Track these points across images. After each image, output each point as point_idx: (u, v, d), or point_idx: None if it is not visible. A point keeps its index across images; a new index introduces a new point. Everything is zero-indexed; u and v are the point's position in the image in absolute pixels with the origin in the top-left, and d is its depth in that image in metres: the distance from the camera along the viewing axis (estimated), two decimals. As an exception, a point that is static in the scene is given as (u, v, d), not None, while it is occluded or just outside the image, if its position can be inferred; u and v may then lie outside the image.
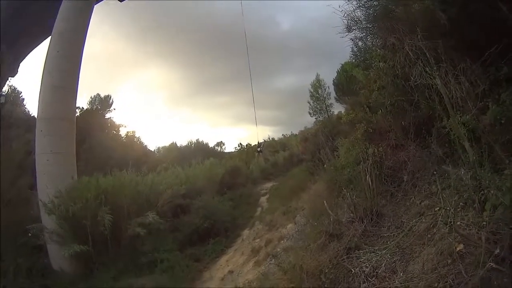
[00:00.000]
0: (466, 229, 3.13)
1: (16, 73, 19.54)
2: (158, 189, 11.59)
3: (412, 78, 4.52)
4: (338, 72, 16.13)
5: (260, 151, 10.30)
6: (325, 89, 17.42)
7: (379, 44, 6.33)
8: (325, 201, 5.69)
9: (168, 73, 59.38)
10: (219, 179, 15.71)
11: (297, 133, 25.37)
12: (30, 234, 8.89)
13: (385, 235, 4.27)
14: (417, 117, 5.46)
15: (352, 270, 3.83)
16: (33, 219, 9.36)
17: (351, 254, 4.17)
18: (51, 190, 9.16)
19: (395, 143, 5.91)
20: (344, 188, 6.00)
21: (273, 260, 7.03)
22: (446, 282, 2.83)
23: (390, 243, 3.97)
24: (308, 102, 17.67)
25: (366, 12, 5.99)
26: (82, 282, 8.24)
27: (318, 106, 17.35)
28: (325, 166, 8.67)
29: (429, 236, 3.58)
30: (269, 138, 27.57)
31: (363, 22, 5.80)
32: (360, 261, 3.92)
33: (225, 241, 10.80)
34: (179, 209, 11.98)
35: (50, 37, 11.74)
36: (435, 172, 4.59)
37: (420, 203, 4.43)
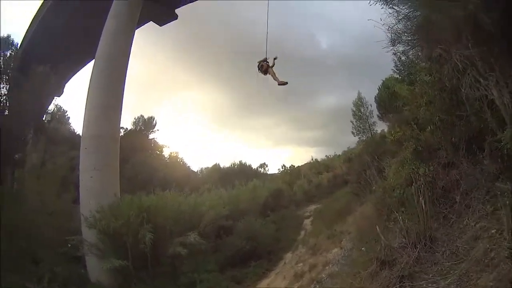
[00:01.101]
0: (526, 253, 2.88)
1: (62, 93, 21.72)
2: (201, 209, 11.90)
3: (463, 90, 4.33)
4: (379, 88, 15.75)
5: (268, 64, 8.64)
6: (367, 107, 17.05)
7: (424, 57, 6.13)
8: (377, 226, 5.49)
9: (211, 95, 61.96)
10: (262, 201, 15.76)
11: (340, 154, 24.93)
12: (69, 245, 9.58)
13: (440, 261, 4.01)
14: (468, 132, 5.16)
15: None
16: (73, 231, 10.07)
17: (404, 282, 3.99)
18: (93, 205, 9.89)
19: (446, 161, 5.59)
20: (395, 211, 5.74)
21: (318, 286, 6.87)
22: (506, 311, 2.61)
23: (445, 270, 3.72)
24: (351, 122, 17.35)
25: (406, 24, 5.86)
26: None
27: (361, 125, 16.96)
28: (373, 188, 8.38)
29: (486, 261, 3.32)
30: (312, 159, 27.28)
31: (406, 35, 5.66)
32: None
33: (267, 264, 10.78)
34: (222, 230, 12.14)
35: (93, 59, 12.87)
36: (490, 190, 4.29)
37: (475, 225, 4.15)
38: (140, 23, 14.91)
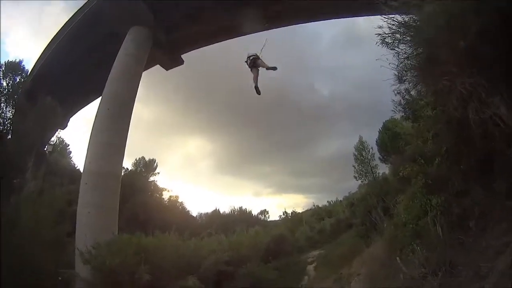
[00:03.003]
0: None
1: (66, 126, 22.05)
2: (201, 254, 11.61)
3: (470, 116, 4.65)
4: (380, 131, 16.31)
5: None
6: (368, 151, 17.46)
7: (429, 92, 6.54)
8: (397, 258, 5.54)
9: (213, 142, 63.52)
10: (264, 247, 15.41)
11: (341, 199, 24.99)
12: (60, 278, 9.20)
13: (464, 284, 4.11)
14: (476, 158, 5.42)
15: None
16: (65, 264, 9.79)
17: None
18: (89, 240, 9.72)
19: (457, 189, 5.80)
20: (410, 244, 5.86)
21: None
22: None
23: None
24: (353, 166, 17.63)
25: (408, 64, 6.35)
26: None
27: (363, 168, 17.22)
28: (385, 225, 8.49)
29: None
30: (313, 206, 27.19)
31: (412, 72, 6.13)
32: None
33: (270, 311, 10.32)
34: (222, 275, 11.74)
35: (100, 97, 13.32)
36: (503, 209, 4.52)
37: (494, 244, 4.31)
38: (147, 66, 15.70)
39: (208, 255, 11.65)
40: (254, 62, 8.73)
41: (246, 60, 8.90)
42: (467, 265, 4.43)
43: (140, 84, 14.34)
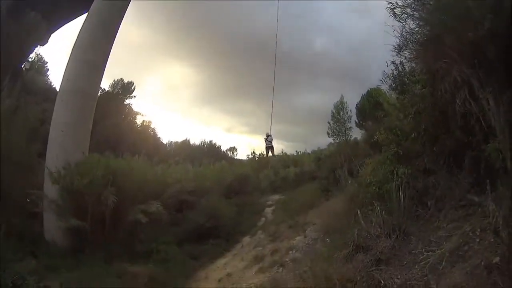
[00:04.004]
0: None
1: (46, 42, 20.36)
2: (166, 181, 11.83)
3: (458, 102, 4.76)
4: (362, 97, 16.47)
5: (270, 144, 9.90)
6: (346, 112, 17.74)
7: (424, 69, 6.56)
8: (358, 210, 6.04)
9: (198, 72, 61.44)
10: (228, 183, 15.97)
11: (310, 152, 25.72)
12: (28, 200, 9.13)
13: (414, 251, 4.49)
14: (450, 145, 5.64)
15: (382, 281, 4.07)
16: (35, 186, 9.58)
17: (380, 266, 4.44)
18: (60, 160, 9.48)
19: (425, 167, 6.11)
20: (370, 205, 6.24)
21: (281, 268, 7.23)
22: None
23: (419, 259, 4.18)
24: (328, 123, 17.95)
25: (409, 38, 6.28)
26: (72, 257, 8.33)
27: (337, 127, 17.61)
28: (349, 182, 8.92)
29: (460, 253, 3.79)
30: (282, 152, 27.80)
31: (413, 44, 6.07)
32: (391, 273, 4.13)
33: (225, 245, 10.98)
34: (184, 204, 12.19)
35: (86, 13, 12.26)
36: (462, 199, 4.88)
37: (446, 226, 4.69)
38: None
39: (174, 183, 11.93)
40: (269, 148, 12.01)
41: (265, 137, 11.84)
42: (418, 237, 4.85)
43: (130, 3, 13.23)
